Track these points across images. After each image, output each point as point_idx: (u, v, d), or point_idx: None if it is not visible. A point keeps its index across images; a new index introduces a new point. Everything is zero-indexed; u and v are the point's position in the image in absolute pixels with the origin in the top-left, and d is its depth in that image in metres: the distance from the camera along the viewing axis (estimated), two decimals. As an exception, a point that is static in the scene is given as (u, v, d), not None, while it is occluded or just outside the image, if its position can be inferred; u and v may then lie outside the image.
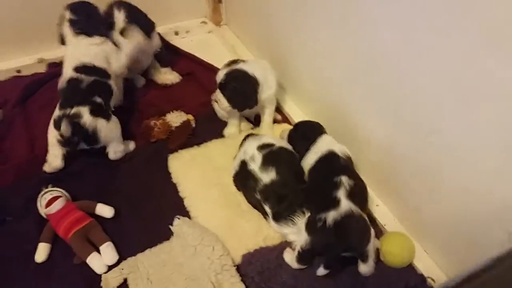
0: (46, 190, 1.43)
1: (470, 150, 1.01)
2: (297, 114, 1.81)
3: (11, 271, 1.30)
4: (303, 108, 1.80)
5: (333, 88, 1.52)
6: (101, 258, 1.31)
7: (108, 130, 1.53)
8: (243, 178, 1.38)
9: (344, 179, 1.23)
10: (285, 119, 1.83)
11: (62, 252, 1.34)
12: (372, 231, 1.21)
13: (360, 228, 1.18)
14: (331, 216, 1.16)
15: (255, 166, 1.36)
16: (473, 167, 1.02)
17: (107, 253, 1.31)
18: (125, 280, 1.27)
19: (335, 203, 1.18)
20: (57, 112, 1.48)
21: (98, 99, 1.52)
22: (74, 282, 1.27)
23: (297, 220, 1.26)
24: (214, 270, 1.24)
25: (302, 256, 1.24)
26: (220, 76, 1.59)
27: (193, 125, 1.76)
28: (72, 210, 1.37)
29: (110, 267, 1.30)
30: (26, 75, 2.06)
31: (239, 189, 1.44)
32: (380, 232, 1.38)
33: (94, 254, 1.31)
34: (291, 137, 1.48)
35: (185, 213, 1.43)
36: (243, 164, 1.39)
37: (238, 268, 1.29)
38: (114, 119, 1.57)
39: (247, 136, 1.50)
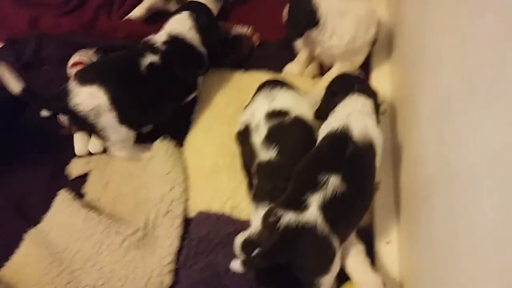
0: (81, 51, 1.40)
1: None
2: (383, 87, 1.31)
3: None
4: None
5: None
6: (88, 141, 1.28)
7: None
8: (244, 143, 1.12)
9: (333, 180, 0.89)
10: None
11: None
12: (336, 264, 0.90)
13: (317, 251, 0.88)
14: (287, 217, 0.87)
15: (257, 138, 1.07)
16: None
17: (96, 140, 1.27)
18: (87, 174, 1.24)
19: (301, 206, 0.88)
20: None
21: None
22: (46, 149, 1.29)
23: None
24: (157, 211, 1.12)
25: (245, 245, 1.01)
26: None
27: (251, 44, 1.47)
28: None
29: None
30: None
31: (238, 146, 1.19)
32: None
33: (84, 134, 1.28)
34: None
35: (183, 135, 1.30)
36: (247, 128, 1.11)
37: (187, 221, 1.14)
38: None
39: (266, 83, 1.17)
